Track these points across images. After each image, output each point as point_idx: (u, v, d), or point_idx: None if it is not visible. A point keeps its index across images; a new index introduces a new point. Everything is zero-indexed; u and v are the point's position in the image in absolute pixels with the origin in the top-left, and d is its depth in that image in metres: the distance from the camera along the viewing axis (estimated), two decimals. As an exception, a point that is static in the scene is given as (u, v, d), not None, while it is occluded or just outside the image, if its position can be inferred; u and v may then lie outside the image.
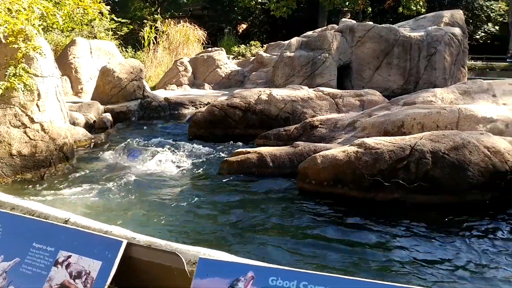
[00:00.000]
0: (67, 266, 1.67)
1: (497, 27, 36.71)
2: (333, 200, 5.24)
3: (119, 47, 17.65)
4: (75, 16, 6.41)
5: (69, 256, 1.70)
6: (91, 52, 14.06)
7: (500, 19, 36.89)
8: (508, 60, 29.86)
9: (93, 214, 4.55)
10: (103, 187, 5.68)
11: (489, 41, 36.40)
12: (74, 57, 13.29)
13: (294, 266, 3.46)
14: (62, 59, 13.18)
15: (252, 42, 22.50)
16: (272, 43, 18.25)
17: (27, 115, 5.89)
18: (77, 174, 6.31)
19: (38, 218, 2.04)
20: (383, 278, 3.49)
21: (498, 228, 4.66)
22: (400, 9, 27.06)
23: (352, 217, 4.83)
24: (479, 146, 5.22)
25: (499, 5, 36.98)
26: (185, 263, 1.82)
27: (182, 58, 16.97)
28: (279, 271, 1.75)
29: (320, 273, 1.78)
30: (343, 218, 4.80)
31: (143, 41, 19.26)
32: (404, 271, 3.71)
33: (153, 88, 15.31)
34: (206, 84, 16.11)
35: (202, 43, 20.86)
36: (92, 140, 8.29)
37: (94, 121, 9.72)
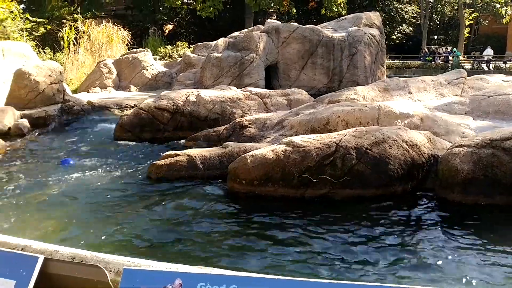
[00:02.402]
0: (-26, 289, 1.52)
1: (411, 28, 39.13)
2: (264, 199, 5.29)
3: (35, 49, 16.64)
4: (-17, 16, 5.91)
5: (-23, 278, 1.55)
6: (3, 54, 13.10)
7: (414, 21, 39.39)
8: (421, 58, 31.91)
9: (9, 229, 4.23)
10: (20, 199, 5.30)
11: (404, 41, 38.76)
12: (-16, 60, 12.31)
13: (224, 269, 3.44)
14: (-30, 62, 12.16)
15: (179, 43, 22.19)
16: (199, 43, 18.10)
17: None
18: (-10, 186, 5.85)
19: None
20: (303, 275, 3.56)
21: (418, 214, 4.97)
22: (323, 11, 28.01)
23: (282, 214, 4.89)
24: (398, 140, 5.50)
25: (412, 8, 39.47)
26: (108, 275, 1.73)
27: (105, 60, 16.33)
28: (207, 276, 1.71)
29: (249, 275, 1.76)
30: (273, 217, 4.84)
31: (62, 42, 18.30)
32: (333, 265, 3.81)
33: (74, 92, 14.59)
34: (132, 86, 15.64)
35: (127, 44, 20.21)
36: (7, 149, 7.74)
37: (9, 128, 9.06)
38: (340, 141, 5.46)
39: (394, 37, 37.18)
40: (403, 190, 5.41)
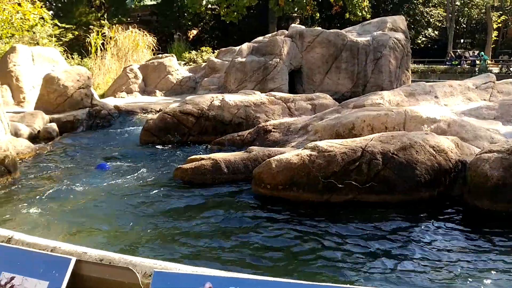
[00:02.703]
0: (10, 289, 1.56)
1: (436, 32, 38.54)
2: (289, 204, 5.26)
3: (63, 54, 17.03)
4: (14, 22, 6.08)
5: (13, 278, 1.58)
6: (33, 59, 13.45)
7: (439, 24, 38.79)
8: (447, 63, 31.38)
9: (39, 231, 4.32)
10: (49, 201, 5.41)
11: (429, 45, 38.18)
12: (15, 65, 12.65)
13: (252, 273, 3.44)
14: (1, 67, 12.51)
15: (203, 48, 22.39)
16: (223, 49, 18.23)
17: (-36, 127, 5.52)
18: (20, 188, 5.98)
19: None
20: (329, 280, 3.52)
21: (445, 222, 4.86)
22: (347, 15, 27.85)
23: (307, 220, 4.86)
24: (425, 145, 5.41)
25: (438, 11, 38.87)
26: (139, 278, 1.75)
27: (131, 65, 16.60)
28: (237, 280, 1.71)
29: (278, 280, 1.76)
30: (299, 222, 4.81)
31: (89, 48, 18.69)
32: (358, 271, 3.76)
33: (102, 96, 14.87)
34: (157, 91, 15.84)
35: (152, 50, 20.52)
36: (37, 152, 7.91)
37: (39, 132, 9.29)
38: (366, 146, 5.41)
39: (419, 41, 36.69)
40: (429, 196, 5.31)
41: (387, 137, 5.56)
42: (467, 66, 30.16)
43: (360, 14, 27.12)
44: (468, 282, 3.57)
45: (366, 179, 5.22)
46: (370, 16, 26.28)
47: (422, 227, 4.72)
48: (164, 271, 1.75)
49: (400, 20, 16.31)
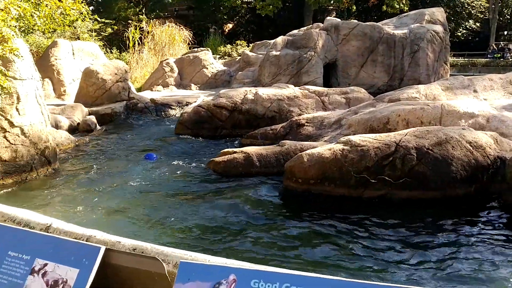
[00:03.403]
0: (44, 275, 1.62)
1: (478, 24, 37.13)
2: (320, 198, 5.24)
3: (103, 48, 17.48)
4: (56, 17, 6.28)
5: (46, 264, 1.65)
6: (73, 54, 13.89)
7: (481, 16, 37.35)
8: (489, 56, 30.22)
9: (76, 219, 4.48)
10: (87, 191, 5.60)
11: (470, 38, 36.83)
12: (56, 59, 13.11)
13: (281, 265, 3.45)
14: (44, 61, 12.99)
15: (238, 42, 22.45)
16: (258, 42, 18.23)
17: (6, 119, 5.76)
18: (60, 178, 6.21)
19: (13, 225, 1.99)
20: (367, 277, 3.49)
21: (483, 219, 4.71)
22: (384, 7, 27.22)
23: (339, 215, 4.82)
24: (461, 141, 5.25)
25: (480, 2, 37.43)
26: (165, 267, 1.79)
27: (168, 59, 16.87)
28: (261, 273, 1.72)
29: (303, 274, 1.75)
30: (330, 216, 4.78)
31: (128, 42, 19.09)
32: (392, 269, 3.71)
33: (139, 90, 15.18)
34: (192, 85, 16.04)
35: (188, 43, 20.75)
36: (76, 143, 8.18)
37: (78, 124, 9.60)
38: (400, 141, 5.30)
39: (459, 33, 35.43)
40: (465, 193, 5.15)
41: (422, 131, 5.43)
42: (511, 59, 28.95)
43: (398, 6, 26.44)
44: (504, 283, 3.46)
45: (399, 174, 5.12)
46: (408, 8, 25.60)
47: (458, 224, 4.59)
48: (189, 261, 1.78)
49: (438, 12, 15.84)
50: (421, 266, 3.73)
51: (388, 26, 15.44)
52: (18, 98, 5.85)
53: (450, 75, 14.89)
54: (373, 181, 5.16)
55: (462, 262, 3.79)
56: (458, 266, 3.74)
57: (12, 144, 5.80)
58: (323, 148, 5.57)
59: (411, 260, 3.84)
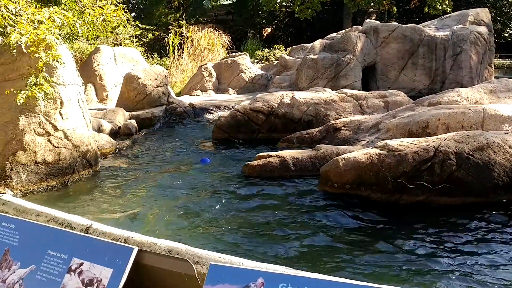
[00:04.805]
0: (80, 274, 1.70)
1: (527, 24, 35.57)
2: (356, 203, 5.17)
3: (144, 54, 17.95)
4: (99, 24, 6.54)
5: (82, 264, 1.73)
6: (115, 59, 14.34)
7: (530, 16, 35.75)
8: (538, 57, 28.91)
9: (116, 221, 4.62)
10: (127, 193, 5.76)
11: (517, 39, 35.31)
12: (98, 65, 13.58)
13: (313, 270, 3.43)
14: (87, 66, 13.49)
15: (276, 46, 22.50)
16: (295, 46, 18.23)
17: (50, 123, 6.01)
18: (101, 180, 6.43)
19: (53, 226, 2.09)
20: (404, 284, 3.42)
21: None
22: (426, 9, 26.55)
23: (376, 220, 4.75)
24: (504, 146, 5.07)
25: (529, 1, 35.85)
26: (195, 269, 1.83)
27: (206, 64, 17.12)
28: (289, 277, 1.74)
29: (331, 279, 1.75)
30: (367, 222, 4.72)
31: (168, 47, 19.51)
32: (429, 277, 3.62)
33: (178, 94, 15.49)
34: (230, 89, 16.20)
35: (227, 48, 20.99)
36: (117, 147, 8.42)
37: (119, 128, 9.88)
38: (439, 145, 5.17)
39: (506, 34, 34.05)
40: (508, 200, 4.96)
41: (462, 136, 5.27)
42: None
43: (440, 7, 25.70)
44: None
45: (438, 180, 4.99)
46: (451, 9, 24.87)
47: (499, 233, 4.43)
48: (219, 264, 1.81)
49: (483, 13, 15.33)
50: (462, 275, 3.62)
51: (429, 28, 15.08)
52: (61, 103, 6.10)
53: (495, 77, 14.39)
54: (411, 186, 5.05)
55: (498, 271, 3.66)
56: (503, 275, 3.61)
57: (55, 147, 6.05)
58: (359, 153, 5.50)
59: (453, 267, 3.73)
